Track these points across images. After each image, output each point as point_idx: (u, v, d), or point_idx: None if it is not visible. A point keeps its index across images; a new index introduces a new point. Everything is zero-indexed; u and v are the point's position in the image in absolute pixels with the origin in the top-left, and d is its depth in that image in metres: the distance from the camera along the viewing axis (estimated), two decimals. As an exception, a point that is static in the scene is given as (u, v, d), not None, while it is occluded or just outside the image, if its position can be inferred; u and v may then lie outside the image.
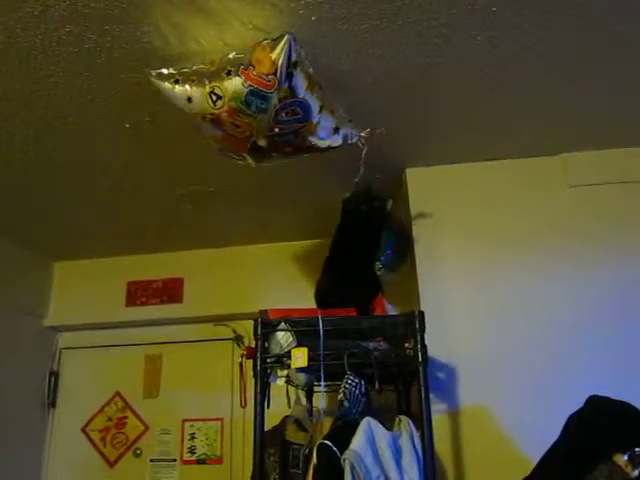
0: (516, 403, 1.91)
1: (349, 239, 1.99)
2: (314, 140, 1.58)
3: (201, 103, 1.35)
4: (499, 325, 2.02)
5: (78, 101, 1.74)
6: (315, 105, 1.49)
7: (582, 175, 2.17)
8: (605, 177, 2.16)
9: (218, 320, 2.92)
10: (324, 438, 1.42)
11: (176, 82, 1.35)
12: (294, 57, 1.36)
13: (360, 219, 1.95)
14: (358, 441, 1.36)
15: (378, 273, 2.12)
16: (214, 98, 1.35)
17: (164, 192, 2.36)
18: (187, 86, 1.34)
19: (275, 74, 1.33)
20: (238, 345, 2.90)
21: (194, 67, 1.35)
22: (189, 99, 1.35)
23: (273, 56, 1.32)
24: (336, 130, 1.61)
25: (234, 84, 1.34)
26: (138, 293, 2.99)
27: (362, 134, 1.67)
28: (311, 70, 1.44)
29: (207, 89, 1.33)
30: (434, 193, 2.21)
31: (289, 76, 1.37)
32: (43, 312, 3.01)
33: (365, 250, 2.00)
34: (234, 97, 1.35)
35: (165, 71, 1.37)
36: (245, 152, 1.59)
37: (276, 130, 1.48)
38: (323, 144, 1.61)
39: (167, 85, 1.35)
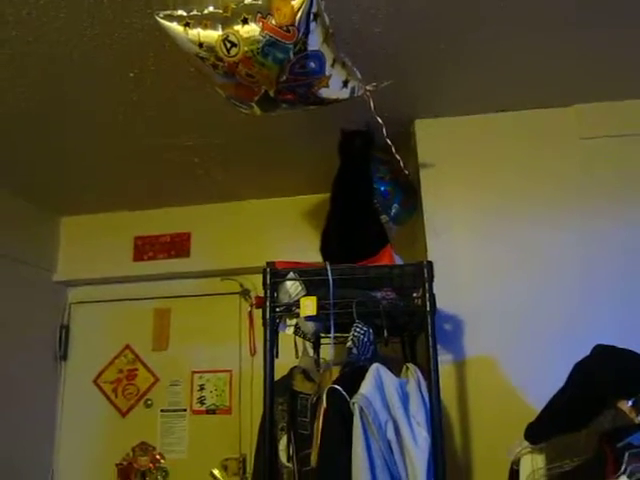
0: (523, 353, 1.93)
1: (347, 180, 2.00)
2: (324, 93, 1.55)
3: (214, 49, 1.31)
4: (507, 277, 2.03)
5: (81, 48, 1.70)
6: (329, 58, 1.45)
7: (595, 127, 2.13)
8: (619, 129, 2.12)
9: (225, 274, 2.93)
10: (334, 383, 1.44)
11: (186, 25, 1.30)
12: (315, 8, 1.30)
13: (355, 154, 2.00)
14: (367, 386, 1.39)
15: (385, 226, 2.12)
16: (228, 45, 1.30)
17: (170, 145, 2.34)
18: (199, 30, 1.29)
19: (294, 25, 1.28)
20: (245, 299, 2.93)
21: (206, 11, 1.30)
22: (200, 44, 1.30)
23: (294, 6, 1.26)
24: (345, 83, 1.58)
25: (250, 33, 1.29)
26: (145, 248, 3.01)
27: (368, 87, 1.63)
28: (328, 22, 1.39)
29: (221, 35, 1.29)
30: (443, 145, 2.19)
31: (308, 28, 1.32)
32: (51, 267, 3.04)
33: (363, 193, 2.00)
34: (250, 46, 1.31)
35: (175, 13, 1.31)
36: (253, 101, 1.57)
37: (289, 82, 1.45)
38: (331, 97, 1.58)
39: (177, 28, 1.29)
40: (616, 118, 2.13)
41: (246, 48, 1.31)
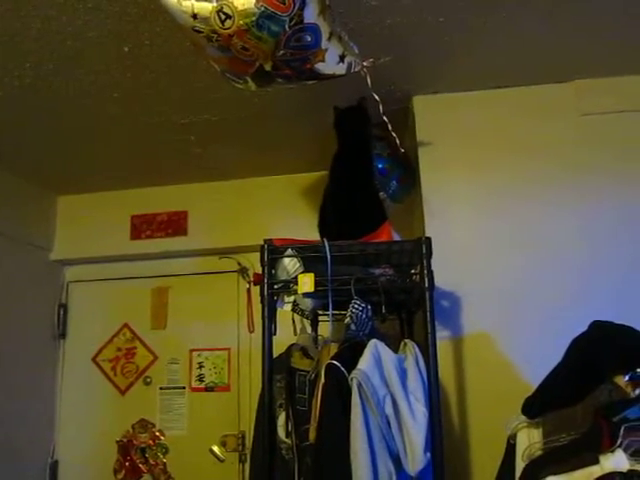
0: (519, 330, 1.94)
1: (345, 156, 1.97)
2: (320, 68, 1.53)
3: (208, 21, 1.28)
4: (504, 254, 2.03)
5: (74, 23, 1.67)
6: (325, 31, 1.43)
7: (595, 103, 2.11)
8: (619, 105, 2.10)
9: (223, 253, 2.94)
10: (332, 358, 1.44)
11: (180, -4, 1.27)
12: None
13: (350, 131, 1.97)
14: (365, 361, 1.39)
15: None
16: (223, 17, 1.27)
17: (166, 122, 2.32)
18: (192, 1, 1.26)
19: None
20: (243, 277, 2.93)
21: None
22: (194, 16, 1.27)
23: None
24: (342, 58, 1.55)
25: (246, 5, 1.26)
26: (143, 227, 3.00)
27: (365, 63, 1.61)
28: None
29: (215, 6, 1.26)
30: (441, 121, 2.16)
31: (304, 0, 1.29)
32: (49, 246, 3.03)
33: (362, 170, 1.97)
34: (245, 18, 1.28)
35: (167, -17, 1.28)
36: (248, 75, 1.54)
37: (285, 55, 1.43)
38: (328, 72, 1.56)
39: (170, -1, 1.27)
40: (616, 94, 2.11)
41: (241, 21, 1.28)
